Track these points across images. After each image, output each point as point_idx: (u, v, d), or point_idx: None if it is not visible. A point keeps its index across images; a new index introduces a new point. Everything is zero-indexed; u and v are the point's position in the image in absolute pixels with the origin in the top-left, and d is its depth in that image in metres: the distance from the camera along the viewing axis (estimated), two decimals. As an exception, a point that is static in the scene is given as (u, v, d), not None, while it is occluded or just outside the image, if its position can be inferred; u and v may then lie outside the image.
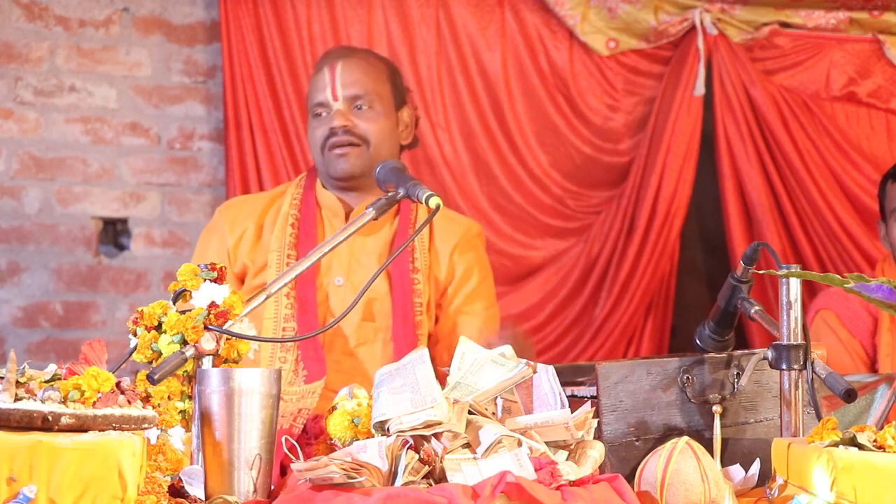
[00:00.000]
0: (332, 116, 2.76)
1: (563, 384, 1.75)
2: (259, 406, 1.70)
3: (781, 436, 1.89)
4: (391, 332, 2.74)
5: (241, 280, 2.80)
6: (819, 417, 1.84)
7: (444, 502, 1.50)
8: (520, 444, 1.63)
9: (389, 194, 2.39)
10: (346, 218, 2.80)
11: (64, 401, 1.51)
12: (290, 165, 3.93)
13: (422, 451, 1.61)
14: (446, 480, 1.59)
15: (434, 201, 2.28)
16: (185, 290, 1.90)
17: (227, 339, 1.86)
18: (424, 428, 1.62)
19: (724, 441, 1.92)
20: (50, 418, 1.47)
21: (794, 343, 1.88)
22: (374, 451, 1.62)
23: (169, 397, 1.84)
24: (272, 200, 2.86)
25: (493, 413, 1.73)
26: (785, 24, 4.25)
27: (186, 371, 1.85)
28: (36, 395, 1.51)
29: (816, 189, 4.18)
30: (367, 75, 2.82)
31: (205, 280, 1.90)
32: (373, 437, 1.72)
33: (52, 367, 1.60)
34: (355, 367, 2.70)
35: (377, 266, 2.71)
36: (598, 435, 1.81)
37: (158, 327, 1.86)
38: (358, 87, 2.77)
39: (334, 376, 2.68)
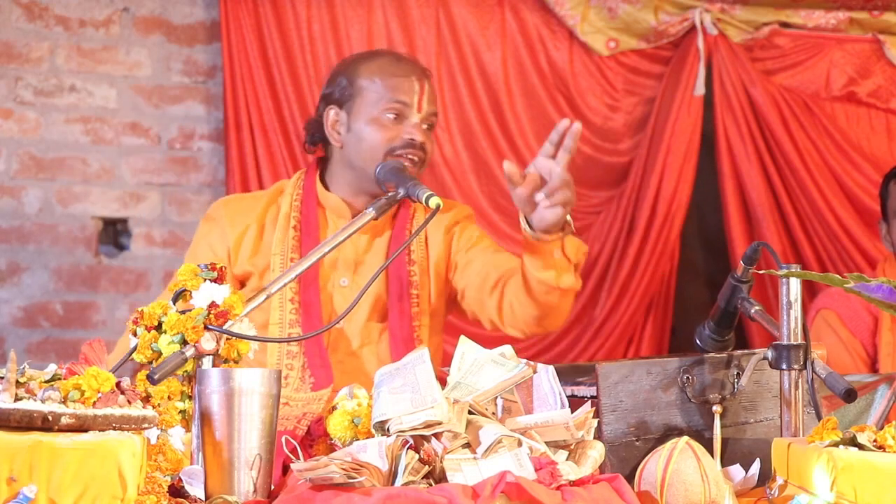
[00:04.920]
0: (410, 127, 2.73)
1: (563, 384, 1.75)
2: (259, 406, 1.69)
3: (781, 436, 1.89)
4: (388, 323, 2.74)
5: (242, 283, 2.76)
6: (819, 417, 1.84)
7: (444, 502, 1.50)
8: (520, 444, 1.63)
9: (389, 194, 2.40)
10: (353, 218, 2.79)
11: (64, 401, 1.51)
12: (289, 165, 3.93)
13: (422, 451, 1.61)
14: (446, 480, 1.59)
15: (434, 201, 2.29)
16: (185, 290, 1.90)
17: (227, 339, 1.86)
18: (424, 428, 1.62)
19: (724, 441, 1.92)
20: (50, 418, 1.47)
21: (794, 343, 1.87)
22: (374, 451, 1.62)
23: (169, 397, 1.84)
24: (271, 199, 2.83)
25: (493, 413, 1.73)
26: (785, 24, 4.25)
27: (186, 371, 1.85)
28: (36, 395, 1.50)
29: (816, 189, 4.18)
30: (436, 99, 2.85)
31: (205, 280, 1.90)
32: (373, 437, 1.72)
33: (52, 367, 1.60)
34: (359, 367, 2.69)
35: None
36: (598, 435, 1.81)
37: (158, 327, 1.86)
38: (433, 107, 2.79)
39: (338, 377, 2.67)
